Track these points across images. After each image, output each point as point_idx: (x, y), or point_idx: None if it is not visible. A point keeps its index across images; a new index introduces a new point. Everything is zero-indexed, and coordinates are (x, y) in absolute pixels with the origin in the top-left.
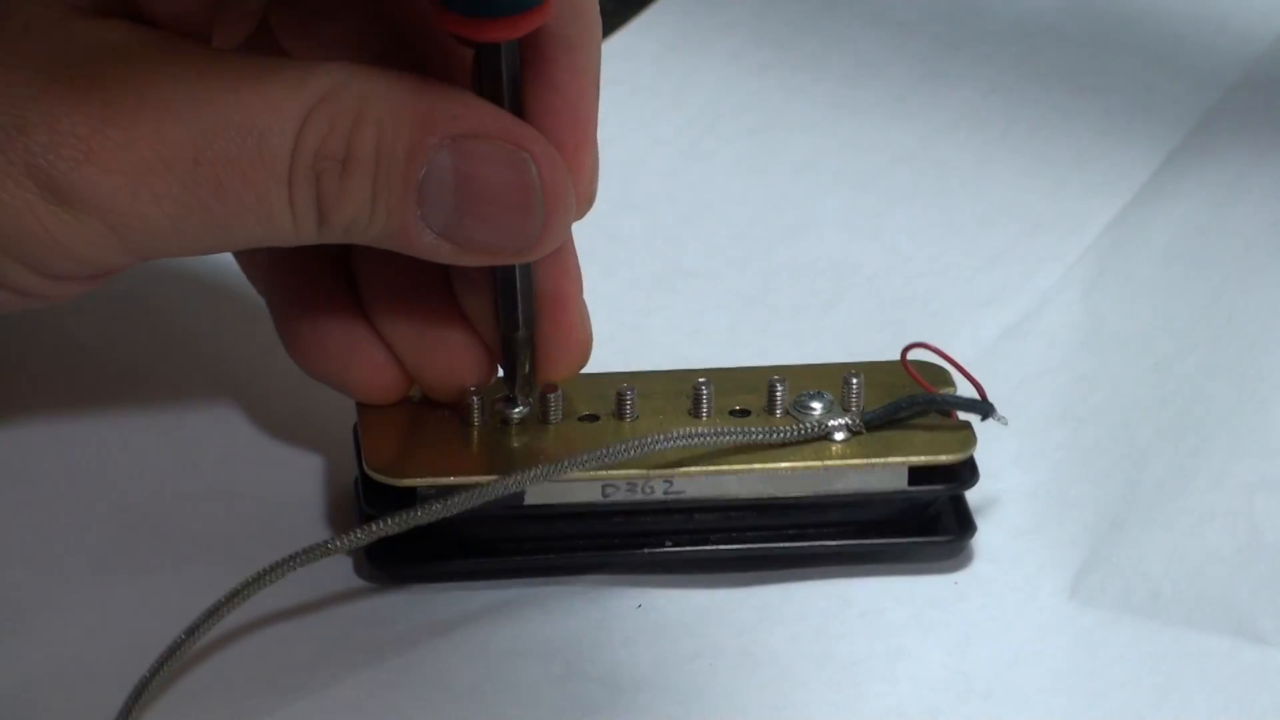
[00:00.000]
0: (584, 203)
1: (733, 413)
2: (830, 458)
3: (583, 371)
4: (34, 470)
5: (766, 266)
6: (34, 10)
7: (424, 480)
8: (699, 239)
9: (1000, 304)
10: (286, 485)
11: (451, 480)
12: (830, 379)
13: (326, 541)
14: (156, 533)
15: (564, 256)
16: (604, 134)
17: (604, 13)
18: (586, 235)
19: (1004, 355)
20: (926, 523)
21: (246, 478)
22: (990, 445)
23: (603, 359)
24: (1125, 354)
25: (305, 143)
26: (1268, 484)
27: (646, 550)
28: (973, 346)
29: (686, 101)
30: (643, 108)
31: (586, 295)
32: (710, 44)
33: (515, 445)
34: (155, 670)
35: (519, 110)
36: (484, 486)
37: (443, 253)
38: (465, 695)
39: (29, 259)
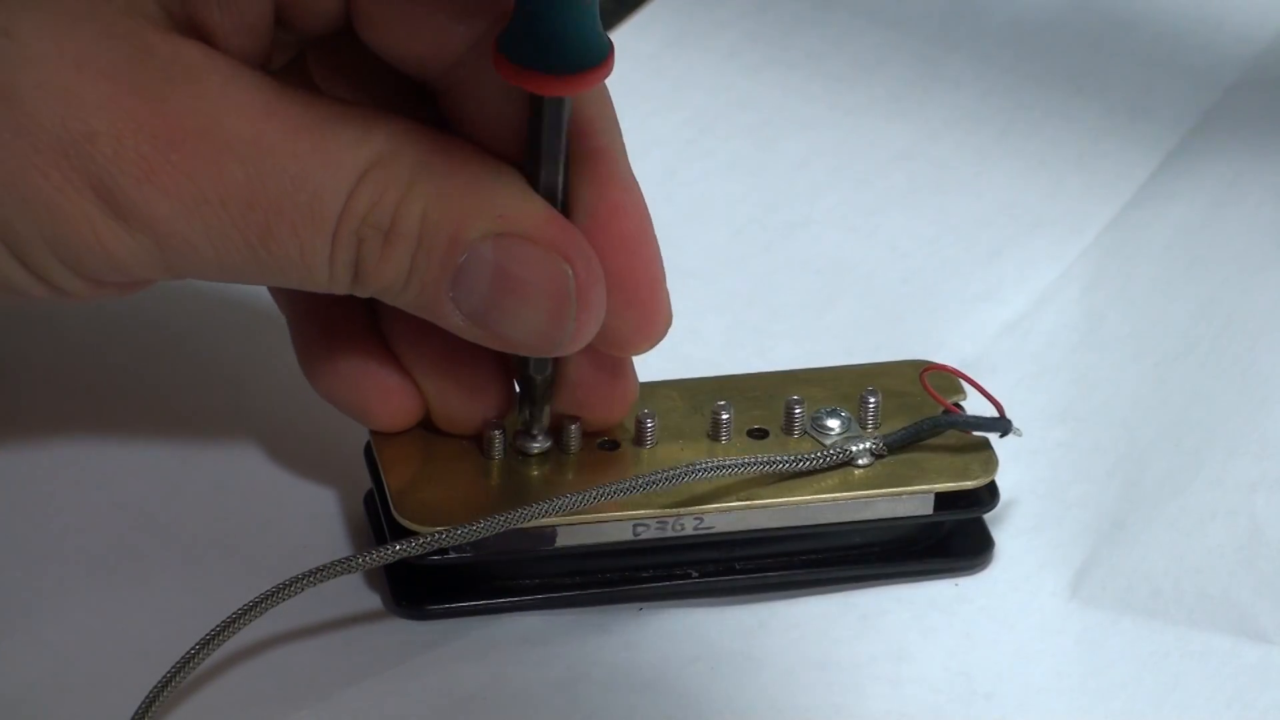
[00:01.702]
0: (662, 330)
1: (750, 432)
2: (857, 485)
3: None
4: (43, 476)
5: (764, 265)
6: (113, 16)
7: (454, 534)
8: (696, 238)
9: (999, 301)
10: (300, 500)
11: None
12: (840, 384)
13: (348, 559)
14: (166, 544)
15: (643, 240)
16: None
17: (601, 11)
18: None
19: (1003, 353)
20: (946, 541)
21: (260, 493)
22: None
23: None
24: (1125, 353)
25: (354, 206)
26: (1268, 482)
27: (672, 582)
28: (971, 343)
29: (683, 101)
30: (638, 107)
31: None
32: (707, 42)
33: (536, 478)
34: (167, 680)
35: (565, 168)
36: (507, 516)
37: (468, 334)
38: (467, 700)
39: (74, 262)
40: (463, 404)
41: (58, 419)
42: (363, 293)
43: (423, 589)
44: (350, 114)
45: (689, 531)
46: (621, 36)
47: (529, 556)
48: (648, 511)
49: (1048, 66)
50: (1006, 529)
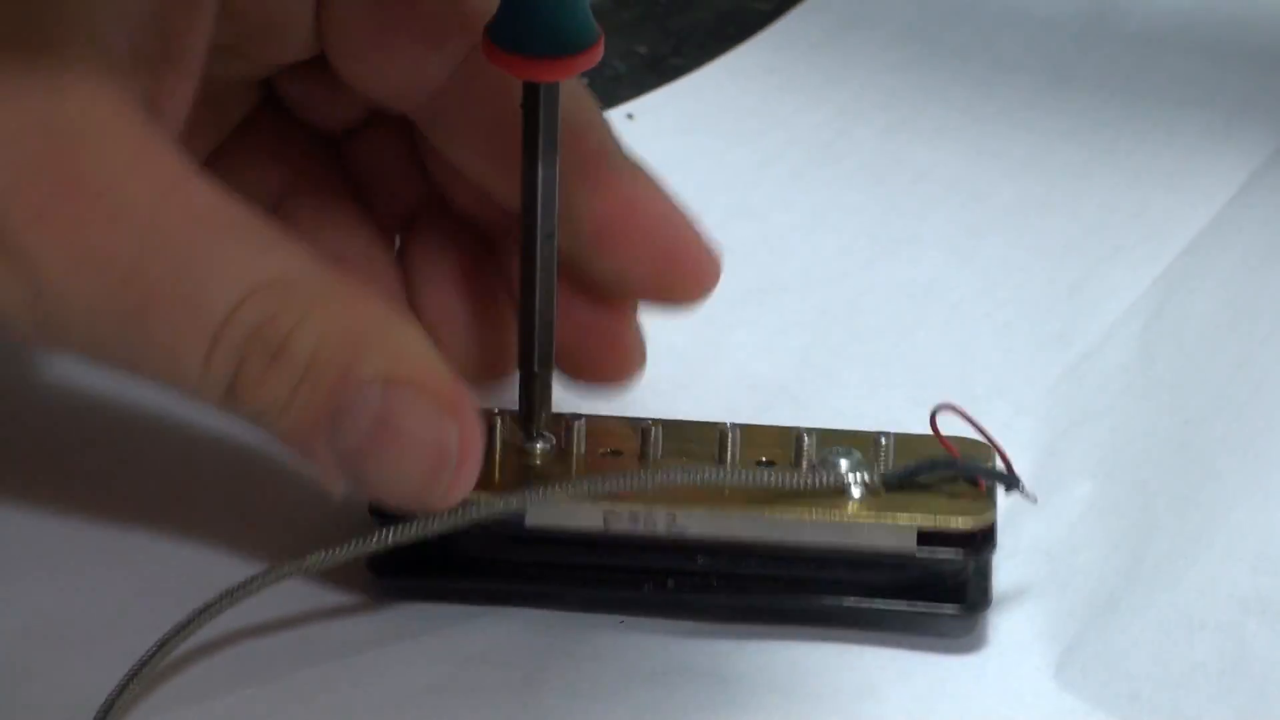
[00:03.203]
0: (715, 276)
1: (758, 464)
2: (840, 511)
3: (618, 414)
4: (47, 466)
5: (858, 284)
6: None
7: (409, 528)
8: (804, 251)
9: (1067, 341)
10: (306, 500)
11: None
12: (863, 438)
13: (301, 560)
14: (164, 539)
15: (667, 217)
16: (741, 132)
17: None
18: None
19: (1059, 399)
20: (939, 591)
21: (266, 490)
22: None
23: (667, 375)
24: (1164, 404)
25: (242, 316)
26: (1261, 603)
27: (646, 589)
28: (1032, 388)
29: (829, 96)
30: (786, 103)
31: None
32: (865, 34)
33: (532, 473)
34: (125, 683)
35: (554, 161)
36: (478, 504)
37: (332, 475)
38: (421, 694)
39: None
40: (487, 347)
41: (61, 409)
42: (234, 410)
43: (395, 561)
44: (256, 223)
45: (661, 531)
46: (788, 24)
47: (496, 534)
48: (619, 504)
49: (1168, 73)
50: (1009, 586)
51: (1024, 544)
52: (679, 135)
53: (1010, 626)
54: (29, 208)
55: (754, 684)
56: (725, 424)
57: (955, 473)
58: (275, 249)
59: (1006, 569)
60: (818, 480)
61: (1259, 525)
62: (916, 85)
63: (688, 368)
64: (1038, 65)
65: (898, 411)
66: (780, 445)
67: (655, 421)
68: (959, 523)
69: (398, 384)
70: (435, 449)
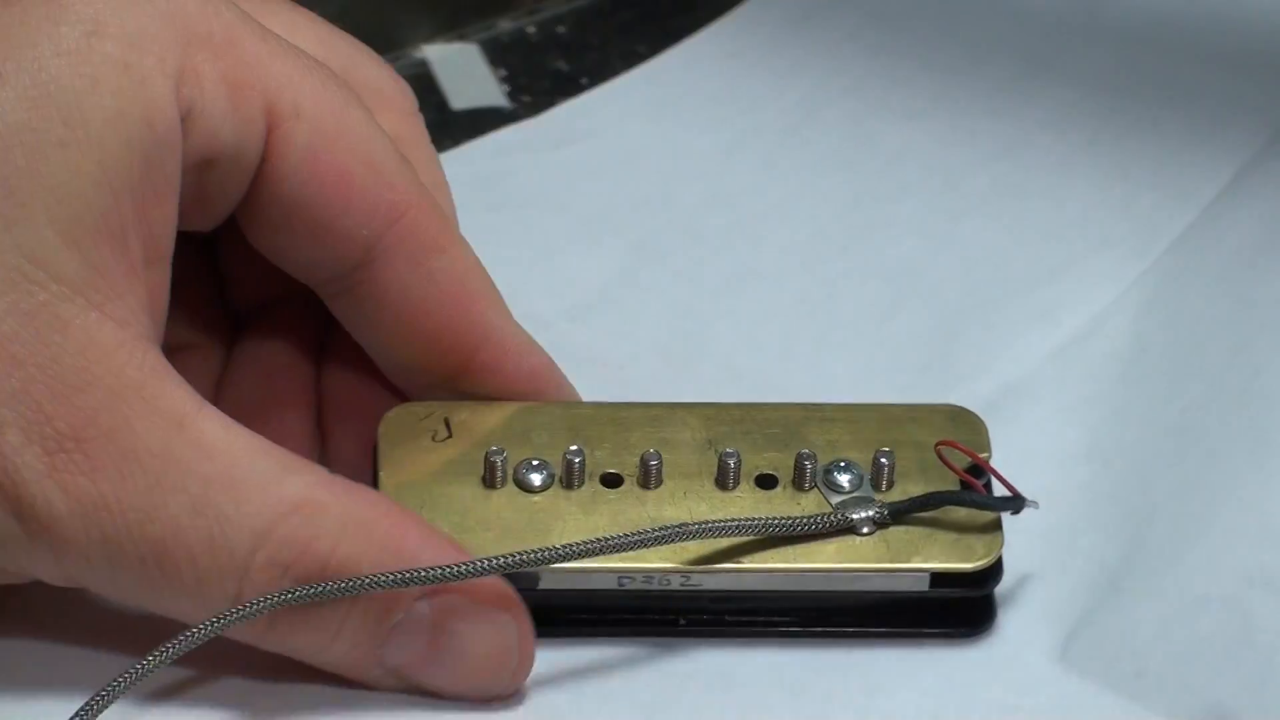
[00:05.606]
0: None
1: (759, 479)
2: (853, 556)
3: (618, 400)
4: None
5: (837, 269)
6: (27, 287)
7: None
8: (779, 237)
9: (1054, 322)
10: None
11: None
12: (864, 427)
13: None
14: None
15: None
16: (706, 119)
17: None
18: (669, 235)
19: (1047, 379)
20: (947, 618)
21: None
22: (1016, 478)
23: (651, 371)
24: (1160, 392)
25: (272, 549)
26: (1265, 577)
27: (660, 629)
28: (1018, 366)
29: (795, 84)
30: (751, 91)
31: (655, 300)
32: (831, 20)
33: (532, 511)
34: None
35: None
36: (466, 565)
37: (386, 685)
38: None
39: None
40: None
41: None
42: (272, 646)
43: None
44: (269, 448)
45: (675, 588)
46: (751, 9)
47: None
48: (633, 565)
49: (1149, 69)
50: (1011, 573)
51: (1021, 526)
52: (644, 123)
53: (1014, 611)
54: (40, 464)
55: (762, 680)
56: (723, 449)
57: (961, 505)
58: (295, 472)
59: (1006, 554)
60: (830, 523)
61: (1263, 501)
62: (884, 70)
63: (669, 362)
64: (1009, 55)
65: (883, 395)
66: (781, 444)
67: (655, 450)
68: (970, 564)
69: (445, 593)
70: (497, 650)
